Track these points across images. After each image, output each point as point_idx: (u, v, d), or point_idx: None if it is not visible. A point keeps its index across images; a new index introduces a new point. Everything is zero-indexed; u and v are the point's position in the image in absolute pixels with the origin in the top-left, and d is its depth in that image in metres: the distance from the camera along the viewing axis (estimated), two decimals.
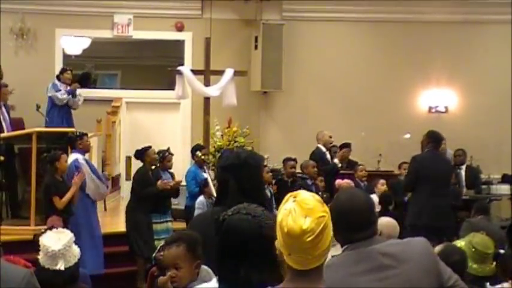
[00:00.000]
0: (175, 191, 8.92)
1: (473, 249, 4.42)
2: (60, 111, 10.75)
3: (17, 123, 10.33)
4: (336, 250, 2.65)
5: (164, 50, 13.94)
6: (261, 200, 2.99)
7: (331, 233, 2.04)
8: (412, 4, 12.99)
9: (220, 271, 2.30)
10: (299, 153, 10.42)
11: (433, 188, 7.98)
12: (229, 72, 11.10)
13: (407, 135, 12.18)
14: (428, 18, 13.09)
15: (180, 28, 13.06)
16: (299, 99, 13.05)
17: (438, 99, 13.34)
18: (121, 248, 8.83)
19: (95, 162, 10.60)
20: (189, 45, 13.08)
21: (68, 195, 7.60)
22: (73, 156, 8.37)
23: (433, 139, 8.32)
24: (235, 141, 11.66)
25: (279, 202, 6.66)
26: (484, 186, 11.55)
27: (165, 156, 8.98)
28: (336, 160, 10.52)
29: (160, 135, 12.23)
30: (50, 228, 4.62)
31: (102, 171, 11.04)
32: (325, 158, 10.76)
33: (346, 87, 13.04)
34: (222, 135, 11.78)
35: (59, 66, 12.32)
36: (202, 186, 8.69)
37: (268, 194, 8.44)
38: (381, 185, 9.44)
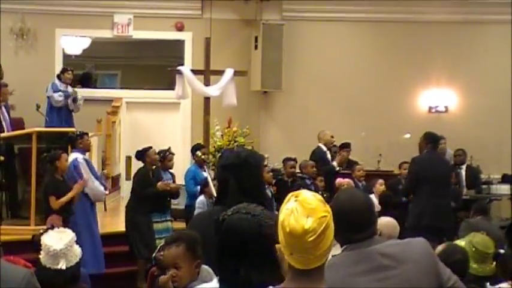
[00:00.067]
0: (175, 193, 8.92)
1: (474, 249, 4.42)
2: (60, 111, 10.75)
3: (17, 123, 10.33)
4: (336, 250, 2.65)
5: (164, 50, 13.94)
6: (261, 200, 2.99)
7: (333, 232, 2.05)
8: (412, 4, 12.99)
9: (220, 271, 2.30)
10: (299, 153, 10.42)
11: (433, 188, 7.99)
12: (229, 72, 11.10)
13: (408, 135, 12.17)
14: (428, 18, 13.09)
15: (180, 28, 13.06)
16: (299, 99, 13.05)
17: (438, 99, 13.34)
18: (121, 248, 8.83)
19: (95, 162, 10.60)
20: (189, 45, 13.08)
21: (64, 199, 7.58)
22: (73, 156, 8.37)
23: (431, 140, 8.33)
24: (235, 141, 11.68)
25: (278, 202, 6.65)
26: (484, 186, 11.56)
27: (165, 156, 8.97)
28: (334, 163, 10.48)
29: (161, 135, 12.24)
30: (50, 228, 4.63)
31: (102, 169, 11.05)
32: (326, 157, 10.74)
33: (346, 87, 13.04)
34: (222, 135, 11.79)
35: (59, 66, 12.32)
36: (203, 186, 8.69)
37: (269, 193, 8.44)
38: (380, 185, 9.42)
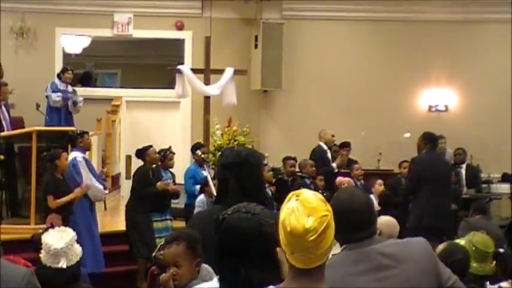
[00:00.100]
0: (174, 194, 8.91)
1: (474, 248, 4.42)
2: (60, 110, 10.72)
3: (17, 122, 10.33)
4: (335, 249, 2.64)
5: (164, 49, 13.93)
6: (261, 199, 2.99)
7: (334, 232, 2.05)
8: (412, 3, 12.99)
9: (220, 270, 2.30)
10: (299, 152, 10.42)
11: (434, 188, 7.99)
12: (229, 71, 11.09)
13: (408, 134, 12.17)
14: (428, 18, 13.08)
15: (180, 27, 13.06)
16: (299, 98, 13.05)
17: (438, 98, 13.34)
18: (121, 247, 8.83)
19: (95, 161, 10.59)
20: (189, 44, 13.07)
21: (63, 200, 7.57)
22: (73, 155, 8.37)
23: (430, 140, 8.33)
24: (235, 140, 11.68)
25: (278, 201, 6.64)
26: (484, 185, 11.57)
27: (166, 155, 8.97)
28: (334, 164, 10.46)
29: (161, 134, 12.23)
30: (49, 228, 4.64)
31: (102, 167, 11.05)
32: (326, 156, 10.73)
33: (346, 86, 13.04)
34: (222, 134, 11.79)
35: (59, 65, 12.32)
36: (203, 185, 8.69)
37: (269, 193, 8.44)
38: (379, 185, 9.40)
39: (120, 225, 9.44)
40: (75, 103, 10.71)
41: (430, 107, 13.39)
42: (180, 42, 13.20)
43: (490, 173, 12.05)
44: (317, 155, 10.54)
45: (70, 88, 10.92)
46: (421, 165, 8.13)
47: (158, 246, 5.49)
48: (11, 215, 9.07)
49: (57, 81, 10.85)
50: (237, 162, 3.25)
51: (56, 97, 10.58)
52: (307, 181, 9.52)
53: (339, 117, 12.75)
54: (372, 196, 8.42)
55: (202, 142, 10.43)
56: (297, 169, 9.93)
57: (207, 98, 11.21)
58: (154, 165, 8.84)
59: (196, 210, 7.90)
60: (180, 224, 8.86)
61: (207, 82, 11.15)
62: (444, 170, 8.50)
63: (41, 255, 4.00)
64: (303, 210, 1.99)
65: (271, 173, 9.35)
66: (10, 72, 10.64)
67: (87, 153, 8.97)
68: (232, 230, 2.21)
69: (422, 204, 7.99)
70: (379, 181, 9.44)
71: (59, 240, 3.98)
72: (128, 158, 12.35)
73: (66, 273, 3.94)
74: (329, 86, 13.09)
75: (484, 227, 5.17)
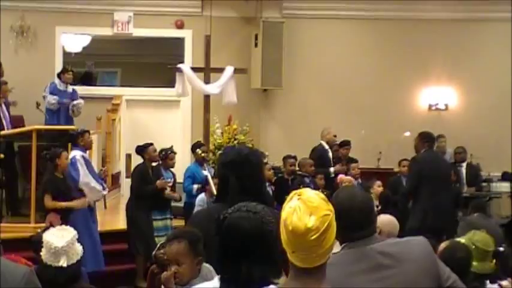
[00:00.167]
0: (174, 198, 8.90)
1: (474, 247, 4.41)
2: (60, 109, 10.72)
3: (17, 121, 10.32)
4: (335, 248, 2.64)
5: (164, 48, 13.93)
6: (262, 198, 2.98)
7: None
8: (412, 2, 12.99)
9: (221, 269, 2.30)
10: (299, 151, 10.42)
11: (435, 187, 7.97)
12: (229, 70, 11.09)
13: (407, 133, 12.16)
14: (428, 16, 13.08)
15: (180, 26, 13.05)
16: (299, 97, 13.05)
17: (438, 96, 13.33)
18: (121, 246, 8.83)
19: (95, 159, 10.60)
20: (189, 43, 13.06)
21: (62, 205, 7.53)
22: (72, 153, 8.36)
23: (428, 139, 8.33)
24: (235, 139, 11.68)
25: (278, 200, 6.63)
26: (484, 184, 11.57)
27: (167, 155, 8.95)
28: (331, 169, 10.42)
29: (161, 133, 12.23)
30: (48, 228, 4.64)
31: (102, 166, 11.04)
32: (326, 156, 10.70)
33: (346, 85, 13.04)
34: (222, 133, 11.79)
35: (59, 64, 12.33)
36: (204, 184, 8.69)
37: (270, 191, 8.44)
38: (378, 186, 9.35)
39: (120, 224, 9.45)
40: (74, 109, 10.66)
41: (430, 105, 13.39)
42: (180, 41, 13.19)
43: (490, 171, 12.05)
44: (317, 153, 10.52)
45: (70, 88, 10.90)
46: (422, 164, 8.11)
47: (158, 245, 5.50)
48: (11, 213, 9.07)
49: (57, 81, 10.83)
50: (237, 161, 3.24)
51: (52, 99, 10.54)
52: (307, 180, 9.52)
53: (339, 115, 12.74)
54: None
55: (202, 141, 10.43)
56: (297, 168, 9.93)
57: (207, 97, 11.21)
58: (154, 164, 8.83)
59: (196, 208, 7.90)
60: (179, 222, 8.85)
61: (207, 81, 11.15)
62: (445, 169, 8.50)
63: (41, 254, 4.00)
64: (305, 210, 2.00)
65: (271, 171, 9.36)
66: (10, 71, 10.64)
67: (88, 152, 8.95)
68: (234, 229, 2.21)
69: (424, 204, 7.97)
70: (378, 182, 9.38)
71: (60, 239, 3.98)
72: (128, 156, 12.36)
73: (66, 272, 3.94)
74: (329, 85, 13.09)
75: (483, 226, 5.15)
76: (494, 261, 4.47)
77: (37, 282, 2.22)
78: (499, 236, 5.20)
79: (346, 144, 10.96)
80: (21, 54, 12.49)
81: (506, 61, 12.55)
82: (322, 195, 2.07)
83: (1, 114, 9.69)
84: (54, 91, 10.67)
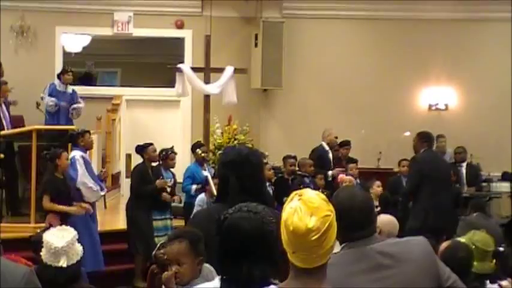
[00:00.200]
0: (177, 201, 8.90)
1: (474, 247, 4.42)
2: (60, 110, 10.71)
3: (17, 121, 10.32)
4: (335, 248, 2.64)
5: (164, 48, 13.94)
6: (262, 198, 2.98)
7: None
8: (412, 2, 12.99)
9: (222, 269, 2.30)
10: (299, 150, 10.42)
11: (436, 187, 7.96)
12: (229, 70, 11.09)
13: (407, 133, 12.16)
14: (428, 16, 13.08)
15: (180, 26, 13.05)
16: (299, 97, 13.05)
17: (438, 96, 13.33)
18: (121, 246, 8.83)
19: (95, 159, 10.60)
20: (189, 43, 13.06)
21: (58, 208, 7.50)
22: (72, 154, 8.35)
23: (427, 139, 8.32)
24: (235, 139, 11.67)
25: (278, 200, 6.61)
26: (484, 184, 11.57)
27: (168, 155, 8.94)
28: (330, 173, 10.40)
29: (161, 133, 12.24)
30: (47, 228, 4.64)
31: (102, 167, 11.03)
32: (326, 156, 10.69)
33: (346, 85, 13.04)
34: (222, 133, 11.79)
35: (59, 64, 12.33)
36: (204, 184, 8.69)
37: (270, 191, 8.44)
38: (377, 187, 9.34)
39: (120, 223, 9.45)
40: (72, 113, 10.65)
41: (430, 105, 13.39)
42: (180, 41, 13.19)
43: (490, 171, 12.05)
44: (316, 154, 10.52)
45: (70, 89, 10.90)
46: (422, 164, 8.10)
47: (158, 245, 5.50)
48: (11, 213, 9.07)
49: (56, 82, 10.81)
50: (237, 161, 3.24)
51: (50, 102, 10.51)
52: (307, 180, 9.52)
53: (339, 115, 12.74)
54: None
55: (202, 141, 10.43)
56: (297, 168, 9.92)
57: (207, 97, 11.21)
58: (154, 164, 8.83)
59: (195, 208, 7.90)
60: (179, 222, 8.85)
61: (207, 81, 11.15)
62: (445, 169, 8.49)
63: (41, 254, 4.00)
64: (306, 210, 2.00)
65: (272, 171, 9.35)
66: (10, 71, 10.64)
67: (88, 152, 8.94)
68: (234, 229, 2.21)
69: (425, 204, 7.96)
70: (378, 182, 9.36)
71: (60, 239, 3.98)
72: (128, 156, 12.37)
73: (66, 273, 3.94)
74: (329, 85, 13.09)
75: (483, 225, 5.16)
76: (494, 261, 4.47)
77: (37, 282, 2.22)
78: (499, 236, 5.21)
79: (346, 144, 10.96)
80: (21, 54, 12.49)
81: (506, 61, 12.55)
82: (323, 196, 2.07)
83: (1, 114, 9.69)
84: (53, 92, 10.65)
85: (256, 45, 12.74)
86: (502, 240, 5.08)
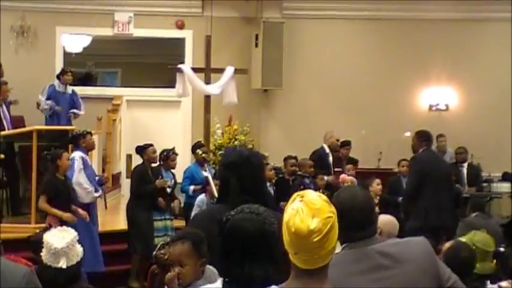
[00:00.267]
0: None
1: (475, 247, 4.42)
2: (57, 112, 10.69)
3: (18, 121, 10.33)
4: (336, 248, 2.64)
5: (165, 48, 13.93)
6: (263, 199, 2.98)
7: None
8: (412, 2, 12.98)
9: (224, 270, 2.30)
10: (299, 151, 10.41)
11: (436, 186, 7.95)
12: (229, 70, 11.09)
13: (408, 133, 12.15)
14: (428, 16, 13.08)
15: (180, 26, 13.05)
16: (299, 97, 13.05)
17: (439, 97, 13.33)
18: (121, 246, 8.82)
19: (96, 160, 10.59)
20: (189, 43, 13.07)
21: (53, 211, 7.47)
22: (73, 154, 8.34)
23: (425, 138, 8.29)
24: (236, 139, 11.67)
25: (278, 200, 6.61)
26: (484, 184, 11.57)
27: (168, 156, 8.93)
28: (325, 178, 10.37)
29: (161, 134, 12.23)
30: (47, 229, 4.64)
31: (103, 170, 11.01)
32: (326, 159, 10.65)
33: (346, 85, 13.04)
34: (222, 133, 11.78)
35: (59, 64, 12.33)
36: (204, 184, 8.68)
37: (271, 192, 8.44)
38: (376, 185, 9.32)
39: (121, 224, 9.44)
40: (71, 116, 10.65)
41: (431, 106, 13.39)
42: (180, 41, 13.19)
43: (490, 171, 12.05)
44: (316, 156, 10.49)
45: (70, 89, 10.89)
46: (423, 164, 8.08)
47: (159, 245, 5.49)
48: (11, 213, 9.07)
49: (56, 82, 10.80)
50: (238, 163, 3.24)
51: (45, 105, 10.51)
52: (307, 180, 9.51)
53: (339, 116, 12.75)
54: None
55: (202, 141, 10.42)
56: (297, 168, 9.91)
57: (207, 97, 11.20)
58: (154, 165, 8.82)
59: (196, 209, 7.88)
60: (179, 223, 8.85)
61: (207, 81, 11.14)
62: (445, 169, 8.48)
63: (41, 254, 4.00)
64: (308, 211, 2.00)
65: (273, 172, 9.35)
66: (10, 71, 10.65)
67: (89, 153, 8.92)
68: (236, 230, 2.21)
69: (426, 204, 7.94)
70: (377, 180, 9.35)
71: (60, 240, 3.98)
72: (129, 157, 12.36)
73: (66, 273, 3.94)
74: (329, 85, 13.09)
75: (483, 226, 5.16)
76: (494, 261, 4.47)
77: (37, 282, 2.23)
78: (499, 236, 5.21)
79: (346, 144, 10.96)
80: (21, 54, 12.49)
81: (506, 61, 12.55)
82: (325, 197, 2.07)
83: (1, 115, 9.69)
84: (52, 93, 10.64)
85: (256, 45, 12.75)
86: (501, 241, 5.08)
